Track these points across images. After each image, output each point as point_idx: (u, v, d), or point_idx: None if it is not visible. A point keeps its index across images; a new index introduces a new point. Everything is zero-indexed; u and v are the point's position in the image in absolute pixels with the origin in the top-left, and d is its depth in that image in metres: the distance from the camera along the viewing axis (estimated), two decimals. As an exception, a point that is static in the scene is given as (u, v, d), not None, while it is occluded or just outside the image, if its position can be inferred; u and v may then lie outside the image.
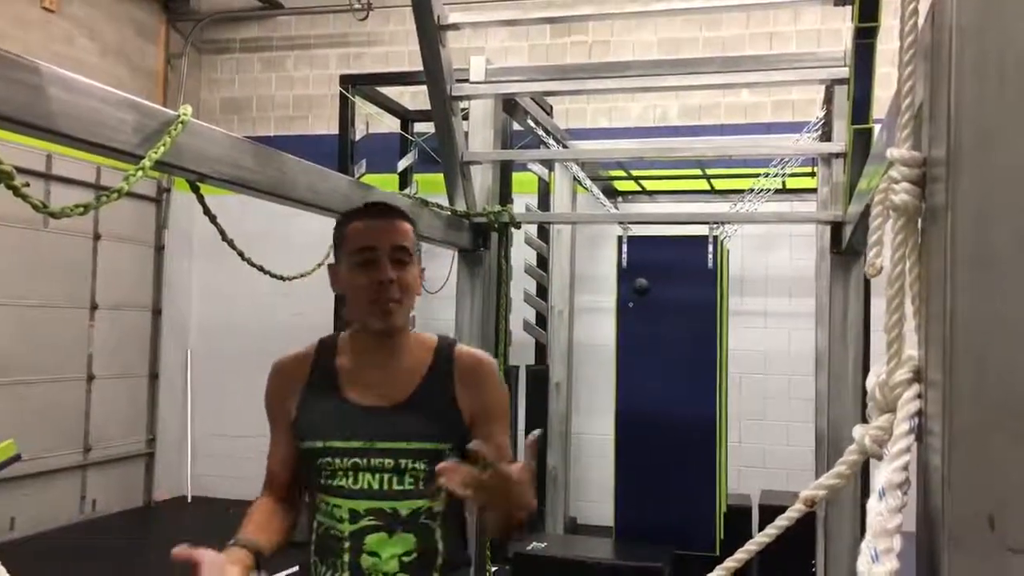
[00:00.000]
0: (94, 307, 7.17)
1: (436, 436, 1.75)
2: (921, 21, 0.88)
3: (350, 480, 1.74)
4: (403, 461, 1.73)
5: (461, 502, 1.79)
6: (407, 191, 6.37)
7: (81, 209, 1.57)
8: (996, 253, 0.71)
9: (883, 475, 0.81)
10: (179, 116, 1.89)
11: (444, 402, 1.79)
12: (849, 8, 3.05)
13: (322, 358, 1.87)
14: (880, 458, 0.85)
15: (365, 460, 1.73)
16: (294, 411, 1.83)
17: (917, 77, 0.86)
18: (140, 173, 1.69)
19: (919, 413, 0.83)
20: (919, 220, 0.86)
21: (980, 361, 0.71)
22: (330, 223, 1.98)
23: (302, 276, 3.16)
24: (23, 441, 6.38)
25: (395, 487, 1.72)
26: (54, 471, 6.76)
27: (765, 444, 7.07)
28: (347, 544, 1.72)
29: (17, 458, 4.49)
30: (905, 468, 0.80)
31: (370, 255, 1.77)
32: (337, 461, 1.75)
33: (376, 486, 1.73)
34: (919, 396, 0.84)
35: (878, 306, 1.02)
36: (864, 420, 0.93)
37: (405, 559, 1.72)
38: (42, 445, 6.60)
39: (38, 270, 6.64)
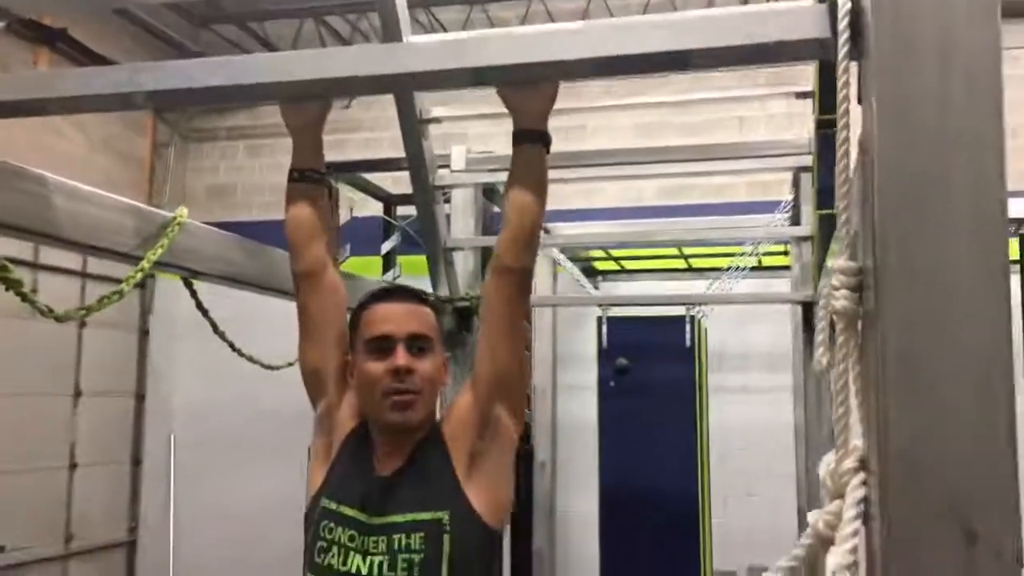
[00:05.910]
0: (78, 394, 7.17)
1: (430, 504, 1.57)
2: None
3: (339, 560, 1.57)
4: (396, 537, 1.55)
5: None
6: (391, 273, 6.46)
7: (84, 312, 1.65)
8: (919, 355, 0.81)
9: (834, 558, 0.88)
10: (175, 218, 1.98)
11: (437, 466, 1.61)
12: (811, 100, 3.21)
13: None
14: (832, 542, 0.93)
15: (362, 538, 1.57)
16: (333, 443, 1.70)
17: (852, 199, 0.97)
18: (139, 275, 1.77)
19: (865, 499, 0.91)
20: (858, 323, 0.96)
21: (910, 455, 0.80)
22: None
23: (290, 365, 3.22)
24: (3, 532, 6.32)
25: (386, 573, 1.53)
26: (35, 561, 6.66)
27: (751, 519, 7.06)
28: None
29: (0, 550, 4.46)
30: (853, 551, 0.88)
31: (385, 343, 1.59)
32: (339, 531, 1.59)
33: (365, 572, 1.54)
34: (864, 483, 0.92)
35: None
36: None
37: None
38: (23, 536, 6.52)
39: (23, 359, 6.65)
